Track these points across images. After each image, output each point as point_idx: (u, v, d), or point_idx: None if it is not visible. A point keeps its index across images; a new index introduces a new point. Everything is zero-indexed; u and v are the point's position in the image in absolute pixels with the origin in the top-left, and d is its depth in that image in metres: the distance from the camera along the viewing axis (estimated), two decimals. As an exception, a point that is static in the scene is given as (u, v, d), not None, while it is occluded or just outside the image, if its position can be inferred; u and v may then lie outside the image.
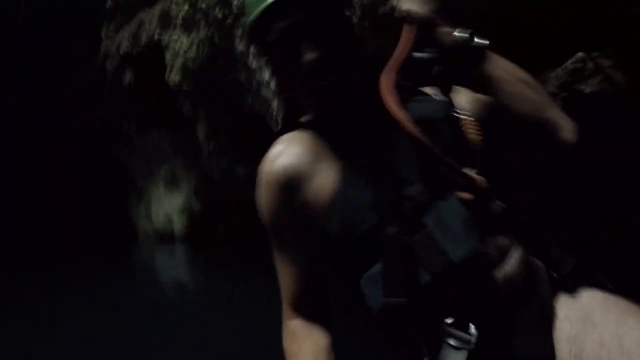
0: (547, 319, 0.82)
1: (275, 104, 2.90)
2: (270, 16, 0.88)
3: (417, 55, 0.86)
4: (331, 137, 0.91)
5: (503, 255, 0.81)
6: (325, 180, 0.87)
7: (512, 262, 0.81)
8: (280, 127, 1.92)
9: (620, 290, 0.82)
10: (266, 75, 3.06)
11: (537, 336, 0.80)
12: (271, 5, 0.87)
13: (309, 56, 0.85)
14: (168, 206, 7.95)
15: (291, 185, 0.89)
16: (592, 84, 2.05)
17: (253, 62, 3.39)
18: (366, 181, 0.84)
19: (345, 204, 0.85)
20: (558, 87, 2.11)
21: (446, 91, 0.90)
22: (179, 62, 5.05)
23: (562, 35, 2.05)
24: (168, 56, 5.29)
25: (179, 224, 7.81)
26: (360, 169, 0.86)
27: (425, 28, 0.84)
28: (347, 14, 0.94)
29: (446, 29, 0.84)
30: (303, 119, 0.98)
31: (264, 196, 0.93)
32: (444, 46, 0.84)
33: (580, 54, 2.07)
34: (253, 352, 2.42)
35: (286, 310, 0.94)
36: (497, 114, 0.87)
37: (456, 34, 0.83)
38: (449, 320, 0.76)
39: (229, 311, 3.44)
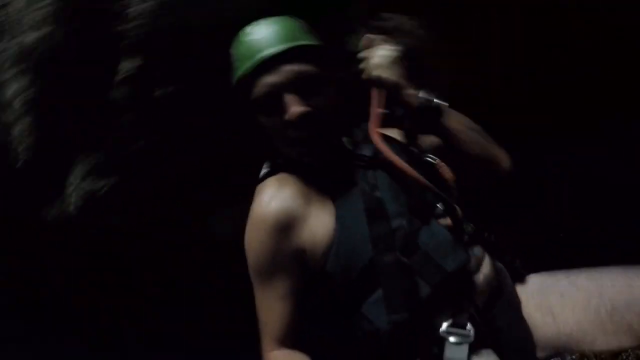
0: (516, 301, 1.04)
1: (17, 128, 1.98)
2: (260, 71, 0.95)
3: (389, 111, 1.03)
4: (315, 179, 1.00)
5: (479, 262, 1.00)
6: (320, 221, 0.96)
7: (486, 267, 1.00)
8: (22, 160, 1.96)
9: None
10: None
11: (514, 316, 1.01)
12: (260, 62, 0.95)
13: (293, 110, 0.93)
14: None
15: (287, 226, 0.95)
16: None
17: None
18: (359, 219, 0.94)
19: (344, 243, 0.93)
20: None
21: (413, 139, 1.09)
22: None
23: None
24: None
25: None
26: (351, 208, 0.96)
27: (393, 91, 1.00)
28: (338, 73, 1.03)
29: (412, 91, 1.00)
30: (279, 160, 1.06)
31: (258, 237, 0.97)
32: (410, 105, 1.00)
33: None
34: None
35: (268, 343, 0.97)
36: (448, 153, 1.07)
37: (420, 95, 1.00)
38: (447, 323, 0.92)
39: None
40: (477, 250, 1.01)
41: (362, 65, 1.02)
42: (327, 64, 1.00)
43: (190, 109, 1.84)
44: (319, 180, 1.01)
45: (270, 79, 0.95)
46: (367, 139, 1.01)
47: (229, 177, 1.86)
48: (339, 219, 0.96)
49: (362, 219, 0.94)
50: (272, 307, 0.97)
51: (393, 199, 0.97)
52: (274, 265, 0.96)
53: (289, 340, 0.96)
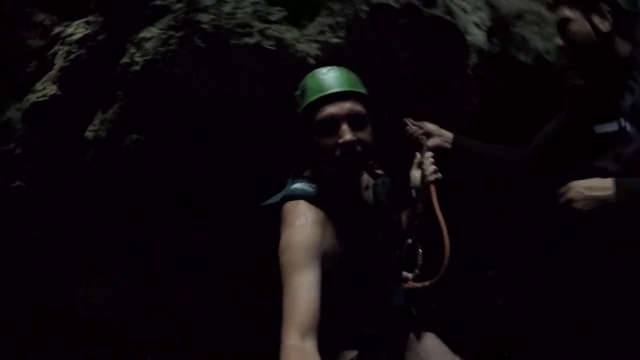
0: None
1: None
2: (325, 101, 1.24)
3: None
4: (334, 205, 1.26)
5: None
6: (338, 239, 1.24)
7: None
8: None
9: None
10: None
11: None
12: (329, 95, 1.24)
13: (348, 137, 1.21)
14: None
15: (319, 226, 1.19)
16: None
17: None
18: (365, 250, 1.29)
19: (346, 260, 1.24)
20: None
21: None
22: None
23: None
24: None
25: None
26: (362, 245, 1.29)
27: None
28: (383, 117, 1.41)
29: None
30: (306, 173, 1.33)
31: (296, 231, 1.17)
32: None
33: None
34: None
35: (290, 332, 1.04)
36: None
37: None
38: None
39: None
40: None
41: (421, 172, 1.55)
42: (370, 110, 1.29)
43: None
44: (335, 208, 1.27)
45: (333, 109, 1.24)
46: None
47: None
48: (353, 242, 1.27)
49: (371, 251, 1.32)
50: (299, 295, 1.08)
51: (389, 248, 1.38)
52: (307, 256, 1.13)
53: (310, 329, 1.05)
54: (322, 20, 1.90)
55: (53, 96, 1.98)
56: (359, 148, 1.22)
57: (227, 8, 1.78)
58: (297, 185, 1.27)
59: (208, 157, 1.93)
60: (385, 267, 1.34)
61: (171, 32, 1.74)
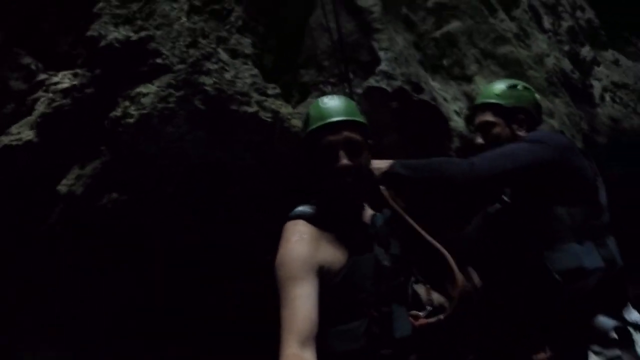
0: None
1: None
2: (325, 130, 1.32)
3: None
4: (333, 225, 1.30)
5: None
6: (337, 258, 1.25)
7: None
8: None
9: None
10: None
11: None
12: (328, 124, 1.32)
13: (344, 162, 1.29)
14: None
15: (315, 241, 1.24)
16: None
17: None
18: (368, 273, 1.25)
19: (347, 280, 1.23)
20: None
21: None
22: None
23: None
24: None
25: None
26: (365, 263, 1.27)
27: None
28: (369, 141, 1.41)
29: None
30: (311, 199, 1.37)
31: (293, 246, 1.22)
32: None
33: None
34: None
35: (289, 340, 1.08)
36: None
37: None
38: None
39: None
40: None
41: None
42: (367, 137, 1.36)
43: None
44: (337, 227, 1.32)
45: (332, 137, 1.31)
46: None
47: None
48: (352, 262, 1.27)
49: (370, 274, 1.27)
50: (297, 306, 1.12)
51: (390, 272, 1.31)
52: (303, 269, 1.18)
53: (309, 338, 1.09)
54: (312, 100, 1.93)
55: (28, 142, 1.86)
56: (355, 172, 1.30)
57: (228, 75, 1.80)
58: (299, 208, 1.35)
59: (191, 222, 1.85)
60: (388, 292, 1.29)
61: (171, 90, 1.72)
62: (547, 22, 3.18)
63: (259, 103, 1.83)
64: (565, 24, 3.32)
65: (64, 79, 1.99)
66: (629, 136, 3.41)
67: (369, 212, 1.44)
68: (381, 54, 2.07)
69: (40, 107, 1.93)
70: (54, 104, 1.90)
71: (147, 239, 1.79)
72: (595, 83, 3.42)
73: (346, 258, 1.27)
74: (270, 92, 1.91)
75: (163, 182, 1.76)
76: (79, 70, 1.99)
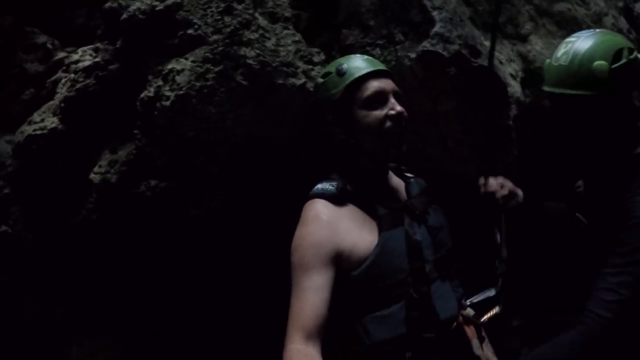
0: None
1: None
2: (371, 78, 1.26)
3: None
4: (358, 199, 1.24)
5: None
6: (362, 236, 1.18)
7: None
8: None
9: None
10: None
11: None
12: (376, 71, 1.29)
13: (397, 108, 1.24)
14: None
15: (333, 226, 1.16)
16: None
17: None
18: (400, 250, 1.19)
19: (380, 260, 1.16)
20: None
21: None
22: None
23: None
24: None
25: None
26: (395, 239, 1.20)
27: None
28: None
29: None
30: (334, 175, 1.31)
31: (308, 230, 1.16)
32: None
33: None
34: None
35: (293, 334, 1.05)
36: None
37: None
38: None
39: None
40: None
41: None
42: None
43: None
44: (367, 207, 1.24)
45: (380, 84, 1.27)
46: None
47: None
48: (383, 241, 1.18)
49: (403, 251, 1.20)
50: (306, 298, 1.08)
51: (426, 247, 1.25)
52: (317, 257, 1.12)
53: (314, 333, 1.06)
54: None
55: (53, 130, 1.70)
56: (405, 120, 1.26)
57: (269, 44, 1.59)
58: (319, 185, 1.27)
59: (232, 207, 1.69)
60: (425, 270, 1.22)
61: (208, 65, 1.52)
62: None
63: (305, 73, 1.63)
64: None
65: (84, 56, 1.81)
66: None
67: (394, 179, 1.37)
68: (434, 13, 1.84)
69: (62, 90, 1.75)
70: (78, 85, 1.72)
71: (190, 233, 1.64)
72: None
73: (375, 236, 1.19)
74: (316, 59, 1.71)
75: (207, 164, 1.59)
76: (99, 45, 1.80)
